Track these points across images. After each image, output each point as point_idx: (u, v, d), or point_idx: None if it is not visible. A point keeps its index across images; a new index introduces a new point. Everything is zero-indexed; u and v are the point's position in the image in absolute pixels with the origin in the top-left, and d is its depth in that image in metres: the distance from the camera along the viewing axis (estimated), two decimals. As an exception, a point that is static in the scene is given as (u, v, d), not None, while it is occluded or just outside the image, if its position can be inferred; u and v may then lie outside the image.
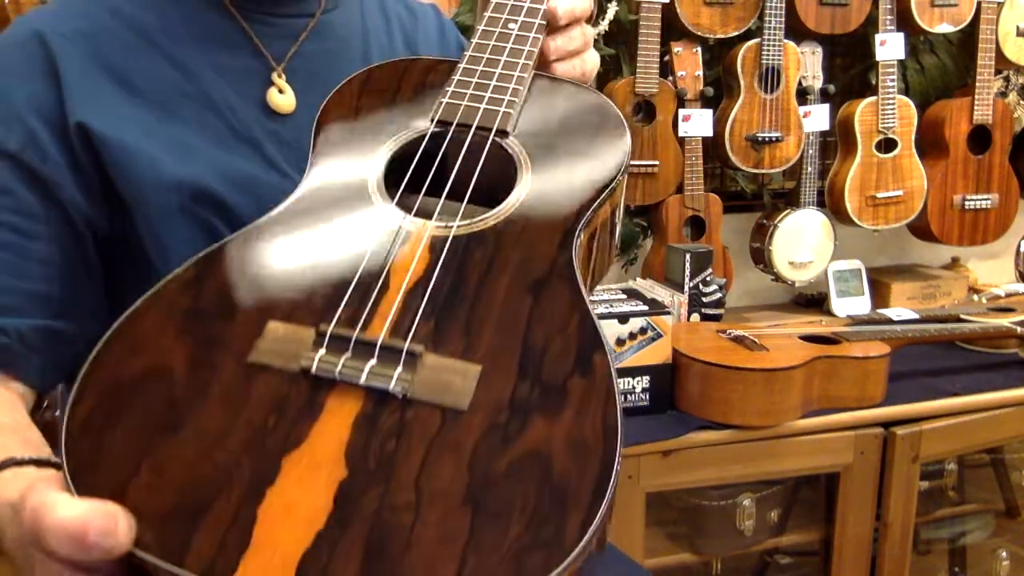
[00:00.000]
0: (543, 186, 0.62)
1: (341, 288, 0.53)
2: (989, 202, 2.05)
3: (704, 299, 1.66)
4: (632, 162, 1.76)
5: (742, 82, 1.84)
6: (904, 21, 1.93)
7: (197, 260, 0.54)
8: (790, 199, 2.00)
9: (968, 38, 2.02)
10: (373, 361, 0.48)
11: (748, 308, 2.08)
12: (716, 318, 1.67)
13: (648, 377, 1.40)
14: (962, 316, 1.59)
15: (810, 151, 1.94)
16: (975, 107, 1.98)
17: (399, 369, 0.47)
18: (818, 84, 1.92)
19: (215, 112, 0.73)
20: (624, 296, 1.50)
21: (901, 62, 1.97)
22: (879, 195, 1.96)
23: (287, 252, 0.56)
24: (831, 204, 1.99)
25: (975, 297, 1.78)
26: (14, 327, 0.66)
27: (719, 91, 1.90)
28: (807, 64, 1.91)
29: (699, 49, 1.85)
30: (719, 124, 1.86)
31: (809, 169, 1.94)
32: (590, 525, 0.41)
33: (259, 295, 0.53)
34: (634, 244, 1.96)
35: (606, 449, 0.44)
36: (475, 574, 0.39)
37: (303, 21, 0.79)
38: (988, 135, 2.02)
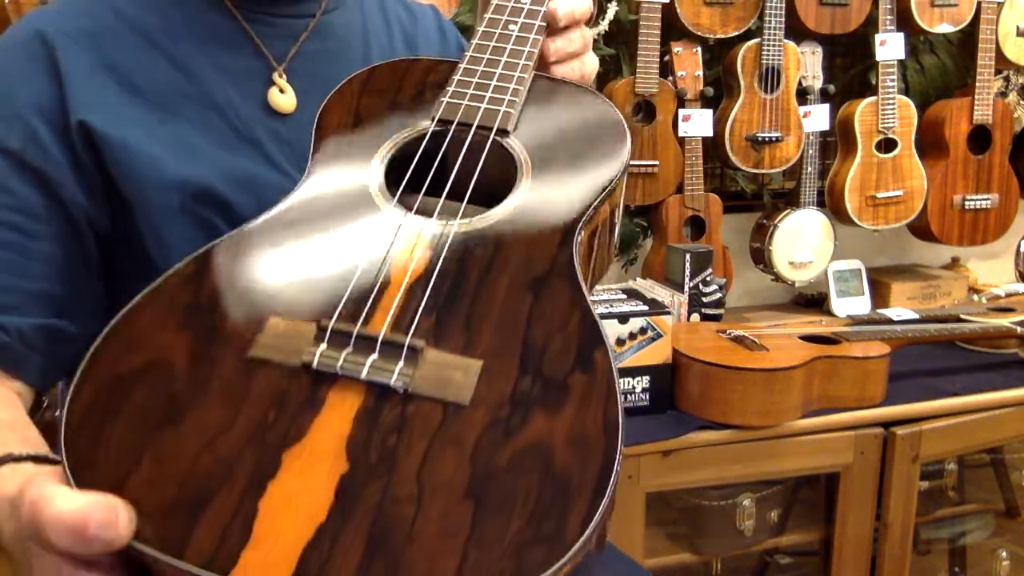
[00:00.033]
0: (544, 185, 0.62)
1: (342, 284, 0.53)
2: (989, 202, 2.05)
3: (704, 299, 1.66)
4: (632, 162, 1.76)
5: (742, 82, 1.84)
6: (904, 21, 1.93)
7: (197, 256, 0.55)
8: (790, 199, 2.00)
9: (968, 38, 2.02)
10: (374, 356, 0.48)
11: (748, 308, 2.08)
12: (716, 318, 1.67)
13: (648, 377, 1.40)
14: (962, 316, 1.59)
15: (810, 151, 1.94)
16: (975, 107, 1.98)
17: (400, 364, 0.47)
18: (818, 84, 1.92)
19: (217, 112, 0.73)
20: (624, 296, 1.50)
21: (901, 62, 1.97)
22: (879, 195, 1.96)
23: (287, 249, 0.56)
24: (831, 204, 1.99)
25: (975, 297, 1.78)
26: (14, 326, 0.66)
27: (719, 91, 1.90)
28: (807, 64, 1.91)
29: (699, 49, 1.85)
30: (719, 124, 1.87)
31: (809, 169, 1.94)
32: (591, 520, 0.41)
33: (259, 291, 0.53)
34: (634, 244, 1.96)
35: (607, 445, 0.44)
36: (476, 567, 0.39)
37: (303, 21, 0.79)
38: (988, 135, 2.02)
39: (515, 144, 0.65)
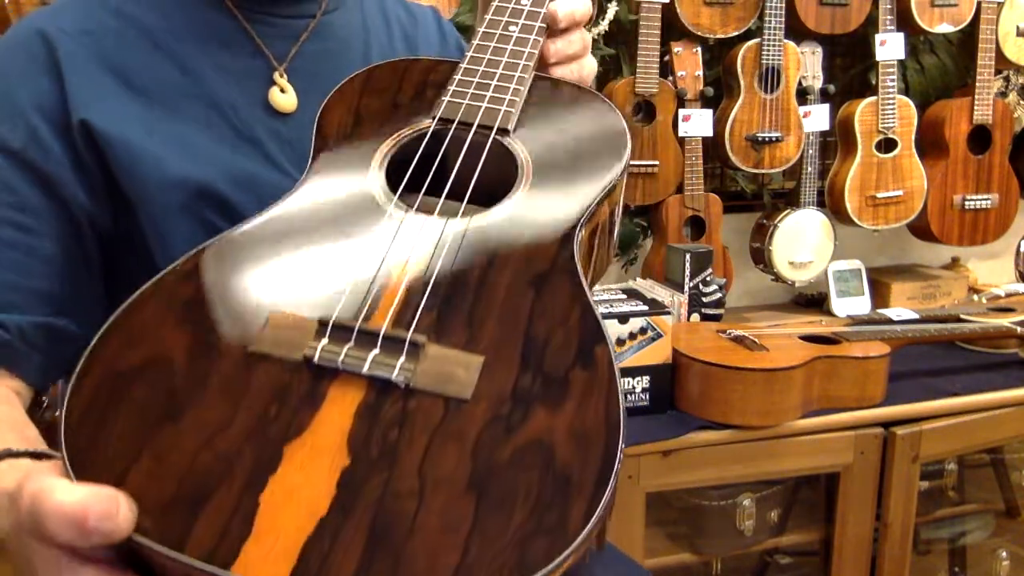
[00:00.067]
0: (544, 184, 0.63)
1: (343, 281, 0.53)
2: (989, 202, 2.05)
3: (704, 299, 1.66)
4: (632, 162, 1.76)
5: (742, 82, 1.84)
6: (904, 21, 1.93)
7: (197, 251, 0.55)
8: (790, 199, 2.00)
9: (968, 38, 2.03)
10: (376, 351, 0.48)
11: (748, 308, 2.08)
12: (716, 318, 1.67)
13: (648, 377, 1.40)
14: (962, 316, 1.59)
15: (810, 151, 1.94)
16: (975, 107, 1.98)
17: (402, 359, 0.47)
18: (818, 84, 1.92)
19: (218, 111, 0.74)
20: (624, 296, 1.50)
21: (901, 62, 1.97)
22: (879, 195, 1.96)
23: (288, 246, 0.56)
24: (831, 204, 1.99)
25: (975, 297, 1.78)
26: (15, 324, 0.66)
27: (719, 91, 1.90)
28: (807, 64, 1.91)
29: (699, 49, 1.85)
30: (719, 124, 1.87)
31: (809, 169, 1.94)
32: (593, 513, 0.41)
33: (260, 286, 0.53)
34: (634, 244, 1.96)
35: (608, 439, 0.45)
36: (479, 560, 0.39)
37: (304, 22, 0.80)
38: (988, 135, 2.02)
39: (516, 143, 0.66)
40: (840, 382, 1.42)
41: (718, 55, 1.91)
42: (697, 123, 1.85)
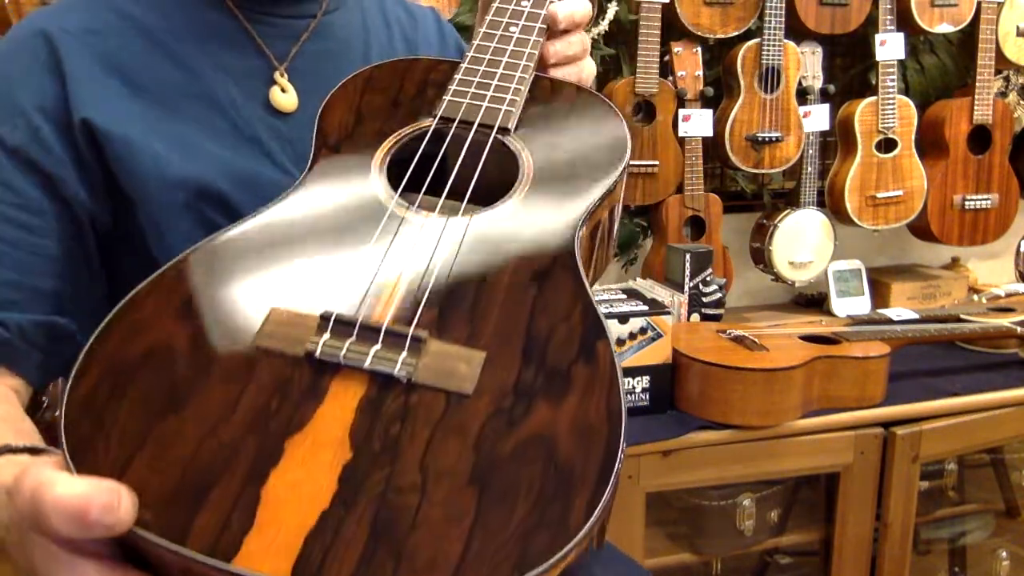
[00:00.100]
0: (546, 182, 0.63)
1: (344, 277, 0.53)
2: (989, 202, 2.05)
3: (704, 299, 1.66)
4: (632, 162, 1.76)
5: (742, 82, 1.85)
6: (904, 21, 1.93)
7: (199, 246, 0.55)
8: (790, 199, 2.00)
9: (968, 38, 2.03)
10: (377, 346, 0.48)
11: (748, 308, 2.08)
12: (716, 318, 1.67)
13: (648, 377, 1.40)
14: (962, 316, 1.59)
15: (810, 151, 1.94)
16: (975, 107, 1.99)
17: (404, 354, 0.48)
18: (818, 84, 1.92)
19: (219, 110, 0.74)
20: (624, 296, 1.50)
21: (901, 62, 1.97)
22: (879, 195, 1.96)
23: (289, 241, 0.57)
24: (831, 204, 1.99)
25: (975, 297, 1.78)
26: (15, 322, 0.66)
27: (719, 91, 1.90)
28: (807, 64, 1.91)
29: (699, 49, 1.85)
30: (719, 124, 1.87)
31: (809, 169, 1.94)
32: (596, 507, 0.41)
33: (261, 282, 0.53)
34: (634, 244, 1.96)
35: (610, 433, 0.45)
36: (481, 552, 0.39)
37: (304, 22, 0.80)
38: (988, 135, 2.02)
39: (516, 142, 0.66)
40: (840, 382, 1.42)
41: (718, 55, 1.91)
42: (697, 123, 1.85)
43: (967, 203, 2.03)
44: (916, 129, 1.98)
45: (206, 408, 0.44)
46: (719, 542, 1.59)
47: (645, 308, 1.40)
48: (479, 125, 0.66)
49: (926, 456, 1.49)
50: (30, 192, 0.68)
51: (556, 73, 0.75)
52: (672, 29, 1.84)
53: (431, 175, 0.62)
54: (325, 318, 0.49)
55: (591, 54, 0.80)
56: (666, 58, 1.84)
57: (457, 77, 0.69)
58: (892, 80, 1.93)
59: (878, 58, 1.91)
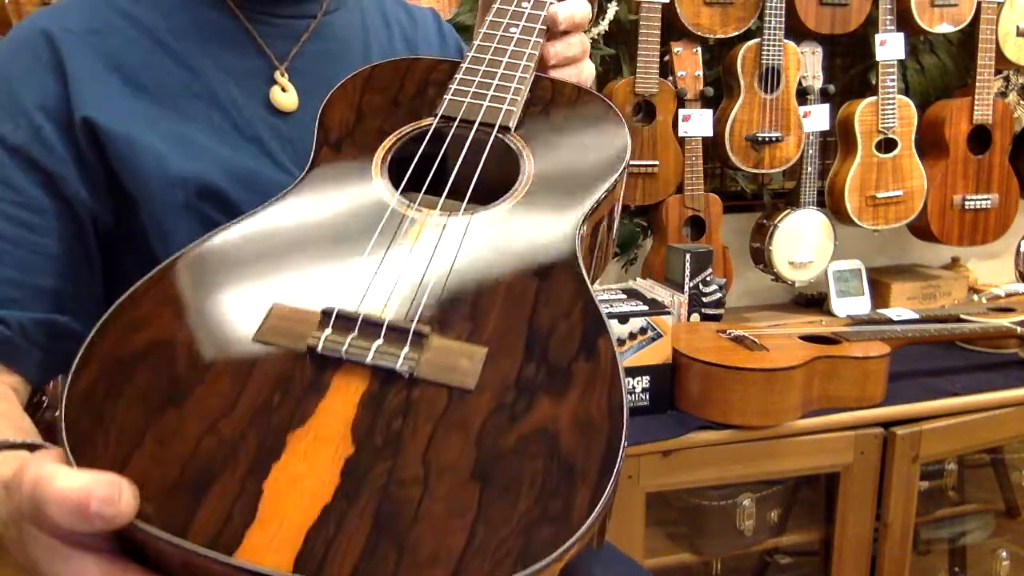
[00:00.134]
0: (547, 181, 0.63)
1: (346, 273, 0.53)
2: (989, 202, 2.05)
3: (704, 299, 1.66)
4: (632, 162, 1.76)
5: (742, 82, 1.85)
6: (904, 21, 1.94)
7: (201, 241, 0.55)
8: (790, 199, 2.00)
9: (968, 38, 2.03)
10: (379, 341, 0.48)
11: (748, 308, 2.08)
12: (716, 318, 1.67)
13: (648, 377, 1.40)
14: (962, 316, 1.59)
15: (810, 151, 1.94)
16: (975, 107, 1.99)
17: (406, 349, 0.48)
18: (818, 84, 1.92)
19: (220, 110, 0.74)
20: (624, 296, 1.50)
21: (901, 62, 1.97)
22: (879, 195, 1.96)
23: (290, 237, 0.57)
24: (831, 204, 1.99)
25: (975, 297, 1.78)
26: (16, 320, 0.66)
27: (719, 91, 1.90)
28: (807, 64, 1.91)
29: (699, 49, 1.85)
30: (719, 124, 1.87)
31: (809, 169, 1.94)
32: (598, 501, 0.41)
33: (263, 277, 0.53)
34: (634, 244, 1.96)
35: (612, 428, 0.45)
36: (484, 547, 0.39)
37: (305, 22, 0.80)
38: (988, 135, 2.02)
39: (517, 141, 0.66)
40: (840, 382, 1.42)
41: (718, 55, 1.91)
42: (697, 123, 1.85)
43: (967, 203, 2.03)
44: (916, 129, 1.98)
45: (208, 402, 0.44)
46: (719, 542, 1.59)
47: (645, 308, 1.40)
48: (480, 124, 0.66)
49: (926, 456, 1.49)
50: (31, 191, 0.68)
51: (556, 74, 0.76)
52: (672, 29, 1.84)
53: (432, 174, 0.63)
54: (327, 313, 0.49)
55: (591, 54, 0.80)
56: (666, 58, 1.84)
57: (458, 76, 0.70)
58: (892, 80, 1.93)
59: (878, 58, 1.91)
